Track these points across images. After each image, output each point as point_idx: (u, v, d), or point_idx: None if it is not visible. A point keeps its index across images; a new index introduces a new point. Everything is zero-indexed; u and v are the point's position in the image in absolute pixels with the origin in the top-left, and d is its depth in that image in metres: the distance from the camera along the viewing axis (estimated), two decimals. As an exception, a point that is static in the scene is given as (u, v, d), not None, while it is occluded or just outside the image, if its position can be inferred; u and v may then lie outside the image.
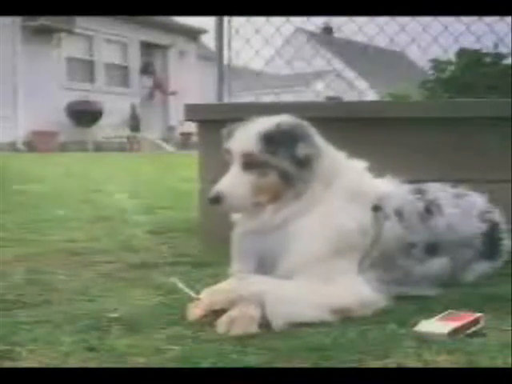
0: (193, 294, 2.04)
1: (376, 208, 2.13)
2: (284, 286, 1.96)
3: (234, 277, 2.11)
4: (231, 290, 1.95)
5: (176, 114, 19.60)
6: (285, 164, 2.01)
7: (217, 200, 2.02)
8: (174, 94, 21.07)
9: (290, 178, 2.03)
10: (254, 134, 2.04)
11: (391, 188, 2.27)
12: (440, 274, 2.28)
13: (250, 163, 2.03)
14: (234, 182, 2.04)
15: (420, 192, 2.37)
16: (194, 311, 1.94)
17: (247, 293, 1.91)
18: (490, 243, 2.50)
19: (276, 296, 1.89)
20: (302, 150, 2.02)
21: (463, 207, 2.46)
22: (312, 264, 1.98)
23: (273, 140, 2.02)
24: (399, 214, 2.20)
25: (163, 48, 21.69)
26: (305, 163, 2.03)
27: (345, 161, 2.20)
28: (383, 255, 2.11)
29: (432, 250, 2.27)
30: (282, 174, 2.02)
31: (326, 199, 2.07)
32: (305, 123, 2.11)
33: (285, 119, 2.09)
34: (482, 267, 2.47)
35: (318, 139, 2.12)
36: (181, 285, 2.13)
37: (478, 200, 2.57)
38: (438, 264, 2.28)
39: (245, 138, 2.07)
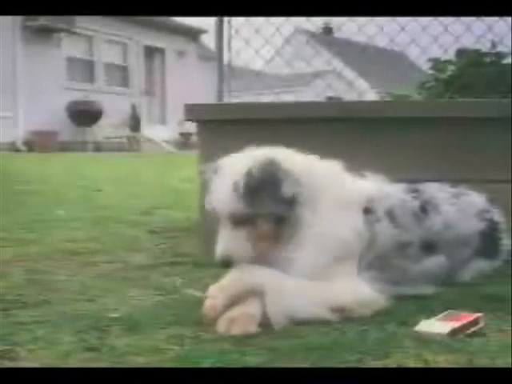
0: (196, 293, 2.03)
1: (367, 211, 2.13)
2: (285, 281, 1.95)
3: (234, 270, 2.09)
4: (241, 281, 1.93)
5: (174, 114, 19.59)
6: (273, 209, 1.97)
7: (227, 264, 1.98)
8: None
9: (285, 219, 2.00)
10: (233, 192, 1.96)
11: (382, 189, 2.24)
12: (437, 272, 2.27)
13: (239, 221, 1.99)
14: (232, 243, 1.99)
15: (416, 191, 2.36)
16: (213, 307, 1.89)
17: (250, 283, 1.90)
18: (489, 242, 2.50)
19: (276, 287, 1.89)
20: (286, 190, 1.96)
21: (461, 206, 2.45)
22: (312, 275, 1.98)
23: (254, 192, 1.94)
24: (390, 214, 2.18)
25: (162, 48, 21.67)
26: (292, 201, 1.98)
27: (325, 172, 2.13)
28: (378, 256, 2.10)
29: (428, 248, 2.26)
30: (275, 220, 1.99)
31: (319, 212, 2.05)
32: (276, 159, 2.00)
33: (256, 164, 1.97)
34: (481, 266, 2.46)
35: (294, 166, 2.02)
36: (180, 284, 2.13)
37: (476, 199, 2.56)
38: (435, 262, 2.27)
39: (225, 197, 1.98)
